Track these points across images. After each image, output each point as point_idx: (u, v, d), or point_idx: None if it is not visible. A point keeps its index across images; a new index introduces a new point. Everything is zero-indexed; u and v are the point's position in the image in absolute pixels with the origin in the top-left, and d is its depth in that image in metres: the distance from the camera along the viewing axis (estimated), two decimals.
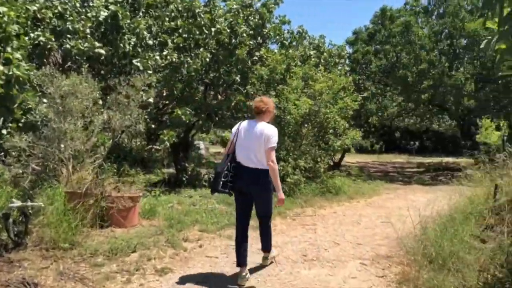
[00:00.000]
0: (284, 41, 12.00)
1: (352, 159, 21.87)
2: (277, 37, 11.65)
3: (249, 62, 9.85)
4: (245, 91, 9.72)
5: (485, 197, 7.26)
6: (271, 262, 4.56)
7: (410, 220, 7.15)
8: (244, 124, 4.08)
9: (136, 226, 5.78)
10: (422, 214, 7.81)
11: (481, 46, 3.83)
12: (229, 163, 3.98)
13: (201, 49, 9.29)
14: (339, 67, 12.94)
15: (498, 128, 19.88)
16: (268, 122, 4.07)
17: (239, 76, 9.89)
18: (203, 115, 9.36)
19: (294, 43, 12.73)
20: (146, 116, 8.68)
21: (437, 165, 18.77)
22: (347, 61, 15.38)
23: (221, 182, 3.91)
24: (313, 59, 11.44)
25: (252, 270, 4.28)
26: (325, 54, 13.22)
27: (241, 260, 3.99)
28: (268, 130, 3.90)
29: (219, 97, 10.68)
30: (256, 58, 10.26)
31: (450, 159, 22.41)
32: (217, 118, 9.60)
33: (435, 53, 13.61)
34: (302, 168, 8.88)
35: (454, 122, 20.56)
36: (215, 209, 6.86)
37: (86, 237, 4.97)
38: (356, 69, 15.12)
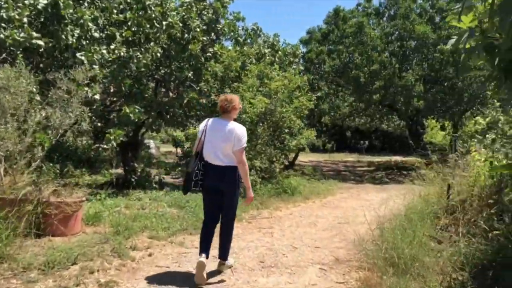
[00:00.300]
0: (239, 38, 11.72)
1: (305, 158, 22.00)
2: (232, 33, 11.35)
3: (203, 58, 9.46)
4: (198, 88, 9.34)
5: (438, 196, 7.37)
6: (230, 266, 4.33)
7: (367, 221, 7.11)
8: (211, 121, 4.04)
9: (78, 234, 5.26)
10: (377, 214, 7.83)
11: (448, 46, 3.73)
12: (198, 162, 3.98)
13: (152, 44, 8.79)
14: (294, 66, 12.83)
15: (443, 128, 20.82)
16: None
17: (192, 72, 9.48)
18: (153, 113, 8.86)
19: (248, 41, 12.49)
20: (90, 114, 8.12)
21: (387, 163, 19.27)
22: (301, 61, 15.37)
23: (193, 182, 3.94)
24: (268, 58, 11.23)
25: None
26: (279, 52, 13.07)
27: (204, 248, 3.99)
28: (238, 130, 3.91)
29: (171, 94, 10.21)
30: (210, 54, 9.89)
31: (398, 158, 23.17)
32: (168, 116, 9.13)
33: (386, 54, 13.88)
34: (258, 168, 8.65)
35: (402, 122, 21.20)
36: (166, 213, 6.44)
37: (19, 248, 4.41)
38: (310, 68, 15.14)
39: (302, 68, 14.19)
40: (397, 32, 14.25)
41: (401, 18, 13.73)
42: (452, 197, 6.65)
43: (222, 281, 4.04)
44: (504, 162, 5.72)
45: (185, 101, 8.70)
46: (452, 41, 3.77)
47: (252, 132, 9.36)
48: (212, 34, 11.16)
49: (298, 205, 8.32)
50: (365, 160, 22.23)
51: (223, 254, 4.19)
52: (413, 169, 17.41)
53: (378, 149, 31.83)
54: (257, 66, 10.12)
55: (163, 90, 10.52)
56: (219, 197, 4.02)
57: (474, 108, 17.69)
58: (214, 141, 3.91)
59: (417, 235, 5.58)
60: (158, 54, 8.65)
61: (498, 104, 9.55)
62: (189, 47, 8.80)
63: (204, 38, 9.96)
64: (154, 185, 9.09)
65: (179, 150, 11.48)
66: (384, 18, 15.49)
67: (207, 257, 3.95)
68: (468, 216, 5.74)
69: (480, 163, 6.67)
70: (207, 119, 4.13)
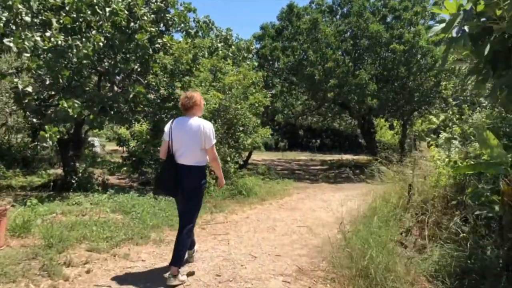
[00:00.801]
0: (190, 30, 11.06)
1: (258, 157, 21.63)
2: (182, 24, 10.67)
3: (151, 50, 8.73)
4: (146, 82, 8.60)
5: (398, 197, 7.18)
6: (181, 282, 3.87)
7: (328, 223, 6.76)
8: (176, 122, 3.98)
9: (1, 248, 4.47)
10: (337, 216, 7.53)
11: (432, 33, 3.39)
12: (170, 164, 3.92)
13: (94, 32, 7.94)
14: (248, 62, 12.36)
15: (391, 127, 21.23)
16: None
17: (138, 65, 8.73)
18: (95, 109, 8.02)
19: (200, 34, 11.86)
20: (22, 108, 7.17)
21: (339, 162, 19.32)
22: (255, 57, 14.93)
23: (167, 185, 3.97)
24: (221, 51, 10.67)
25: None
26: (233, 47, 12.55)
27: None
28: (205, 128, 3.86)
29: (116, 88, 9.37)
30: (159, 46, 9.16)
31: (348, 156, 23.41)
32: (112, 112, 8.32)
33: (340, 53, 13.76)
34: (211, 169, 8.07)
35: (354, 121, 21.39)
36: (108, 220, 5.72)
37: None
38: (264, 65, 14.73)
39: (256, 64, 13.74)
40: (350, 30, 14.18)
41: (354, 16, 13.64)
42: (414, 198, 6.46)
43: None
44: (466, 162, 5.57)
45: (130, 96, 7.94)
46: (437, 28, 3.41)
47: None
48: (161, 24, 10.44)
49: (255, 207, 7.84)
50: (317, 159, 22.24)
51: (176, 260, 3.85)
52: (365, 167, 17.58)
53: (329, 147, 32.17)
54: (209, 60, 9.54)
55: (108, 84, 9.66)
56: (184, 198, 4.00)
57: (423, 108, 18.14)
58: (182, 140, 3.87)
59: (383, 240, 5.30)
60: (101, 44, 7.82)
61: (453, 103, 9.61)
62: (136, 36, 8.04)
63: (153, 29, 9.22)
64: (97, 188, 8.25)
65: (124, 149, 10.59)
66: (338, 16, 15.39)
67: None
68: (432, 218, 5.53)
69: (440, 163, 6.53)
70: (171, 121, 4.05)
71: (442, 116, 10.08)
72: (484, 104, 9.98)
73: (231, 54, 12.17)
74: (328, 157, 23.90)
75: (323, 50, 13.42)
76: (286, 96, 16.77)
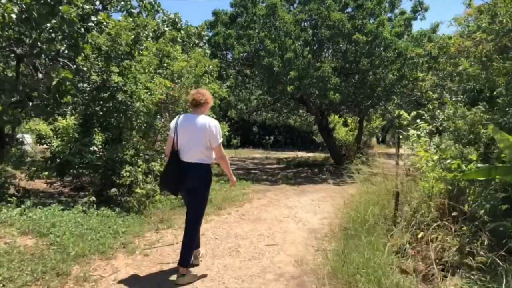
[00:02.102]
0: (132, 10, 9.50)
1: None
2: (122, 2, 9.09)
3: (83, 28, 7.10)
4: (76, 66, 6.99)
5: (380, 205, 6.15)
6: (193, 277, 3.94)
7: (300, 238, 5.60)
8: (182, 118, 3.93)
9: None
10: (309, 227, 6.38)
11: None
12: (173, 161, 3.85)
13: (3, 1, 6.22)
14: (199, 50, 10.94)
15: (346, 124, 20.62)
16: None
17: (66, 46, 7.08)
18: (7, 99, 6.30)
19: (144, 15, 10.29)
20: None
21: (296, 160, 18.38)
22: (206, 45, 13.51)
23: (167, 182, 3.93)
24: (168, 34, 9.20)
25: None
26: (182, 32, 11.08)
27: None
28: (213, 126, 3.82)
29: (40, 75, 7.64)
30: (93, 24, 7.54)
31: (303, 154, 22.59)
32: (31, 104, 6.63)
33: (300, 42, 12.68)
34: (157, 173, 6.65)
35: (310, 117, 20.55)
36: (12, 250, 4.15)
37: None
38: (217, 54, 13.33)
39: (208, 51, 12.34)
40: (310, 19, 13.12)
41: (315, 3, 12.60)
42: (407, 209, 5.44)
43: None
44: (472, 165, 4.59)
45: (53, 83, 6.28)
46: None
47: (149, 125, 7.32)
48: (97, 2, 8.82)
49: (211, 219, 6.51)
50: (272, 157, 21.19)
51: (185, 259, 3.89)
52: (323, 166, 16.74)
53: (281, 144, 31.35)
54: (155, 44, 8.06)
55: (30, 69, 7.90)
56: (189, 195, 4.00)
57: (380, 104, 17.57)
58: (187, 138, 3.81)
59: (378, 265, 4.21)
60: (13, 16, 6.13)
61: (434, 95, 8.78)
62: (60, 8, 6.39)
63: (86, 6, 7.57)
64: (10, 198, 6.52)
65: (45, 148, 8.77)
66: (295, 5, 14.29)
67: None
68: (430, 233, 4.49)
69: (431, 165, 5.56)
70: (177, 116, 4.00)
71: (413, 112, 9.28)
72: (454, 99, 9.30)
73: (180, 40, 10.70)
74: (282, 155, 22.94)
75: (281, 39, 12.27)
76: (241, 90, 15.50)
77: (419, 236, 4.47)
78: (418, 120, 9.73)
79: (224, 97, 9.02)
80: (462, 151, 5.20)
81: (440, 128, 8.79)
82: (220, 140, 3.89)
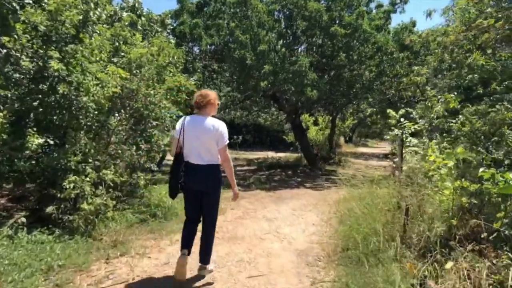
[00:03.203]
0: None
1: (171, 156, 18.81)
2: None
3: (15, 4, 5.73)
4: (6, 51, 5.61)
5: (377, 219, 5.17)
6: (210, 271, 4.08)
7: (290, 264, 4.55)
8: (188, 119, 3.86)
9: None
10: (296, 247, 5.32)
11: None
12: (180, 163, 3.83)
13: None
14: (163, 40, 9.68)
15: (316, 123, 19.82)
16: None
17: None
18: None
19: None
20: None
21: (268, 161, 17.35)
22: (171, 36, 12.23)
23: (180, 185, 3.84)
24: (126, 16, 7.91)
25: None
26: (143, 18, 9.78)
27: (186, 244, 3.90)
28: (219, 127, 3.78)
29: None
30: (30, 1, 6.15)
31: (273, 154, 21.61)
32: None
33: (274, 34, 11.64)
34: (110, 183, 5.41)
35: (281, 116, 19.61)
36: None
37: None
38: (182, 46, 12.06)
39: (173, 41, 11.07)
40: (284, 9, 12.10)
41: None
42: (414, 228, 4.49)
43: None
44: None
45: None
46: None
47: (101, 125, 6.05)
48: None
49: (176, 239, 5.32)
50: (241, 157, 20.05)
51: (204, 258, 4.03)
52: (296, 167, 15.80)
53: (250, 144, 30.30)
54: (111, 29, 6.77)
55: None
56: (198, 198, 3.91)
57: (355, 102, 16.85)
58: (194, 140, 3.76)
59: None
60: None
61: (432, 92, 7.94)
62: None
63: None
64: None
65: None
66: None
67: (189, 253, 3.87)
68: (463, 263, 3.55)
69: (442, 172, 4.64)
70: (183, 117, 3.93)
71: (402, 110, 8.45)
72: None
73: (140, 27, 9.42)
74: (252, 155, 21.84)
75: (254, 30, 11.18)
76: (209, 85, 14.27)
77: (448, 266, 3.50)
78: (402, 120, 8.92)
79: (193, 91, 7.83)
80: (488, 158, 4.29)
81: (430, 127, 8.02)
82: (227, 142, 3.83)
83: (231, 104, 17.30)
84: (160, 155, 7.95)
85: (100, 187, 5.27)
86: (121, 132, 6.26)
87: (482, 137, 4.51)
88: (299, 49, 13.34)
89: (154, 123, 6.97)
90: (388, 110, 8.84)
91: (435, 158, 4.69)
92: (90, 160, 5.54)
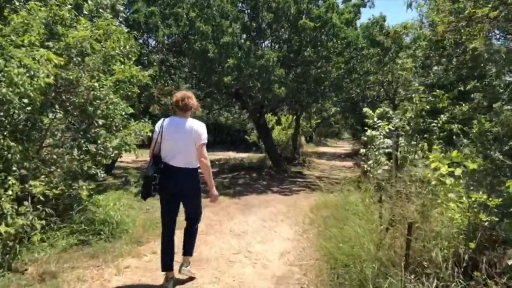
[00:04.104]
0: None
1: (127, 156, 17.47)
2: None
3: None
4: None
5: (371, 238, 4.38)
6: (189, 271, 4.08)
7: None
8: (168, 121, 3.82)
9: None
10: (274, 273, 4.41)
11: None
12: (156, 164, 3.74)
13: None
14: (111, 23, 8.51)
15: (279, 123, 19.11)
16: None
17: None
18: None
19: None
20: None
21: (228, 162, 16.41)
22: (124, 25, 10.99)
23: (153, 186, 3.69)
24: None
25: None
26: (90, 2, 8.53)
27: (168, 263, 3.80)
28: (198, 126, 3.79)
29: None
30: None
31: (235, 154, 20.70)
32: None
33: (238, 26, 10.70)
34: (40, 197, 4.30)
35: (245, 114, 18.74)
36: None
37: None
38: (137, 36, 10.84)
39: (125, 30, 9.87)
40: None
41: None
42: (416, 245, 3.73)
43: None
44: None
45: None
46: None
47: (32, 124, 4.91)
48: None
49: (126, 266, 4.30)
50: None
51: (189, 251, 4.07)
52: (261, 169, 14.97)
53: (209, 143, 29.14)
54: (46, 9, 5.60)
55: None
56: (178, 201, 3.89)
57: (321, 101, 16.24)
58: (174, 141, 3.73)
59: None
60: None
61: (421, 88, 7.30)
62: None
63: None
64: None
65: None
66: None
67: (171, 269, 3.83)
68: None
69: (447, 182, 3.91)
70: (162, 119, 3.88)
71: (380, 109, 7.79)
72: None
73: (87, 12, 8.20)
74: (213, 156, 20.78)
75: (217, 20, 10.20)
76: (166, 81, 13.14)
77: None
78: (376, 120, 8.28)
79: (147, 84, 6.77)
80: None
81: (409, 127, 7.41)
82: (205, 140, 3.80)
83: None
84: (110, 160, 6.82)
85: (26, 203, 4.15)
86: (57, 133, 5.12)
87: (492, 140, 3.83)
88: (264, 44, 12.47)
89: (101, 121, 5.87)
90: (365, 109, 8.20)
91: (438, 164, 3.96)
92: (14, 168, 4.40)
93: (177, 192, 3.79)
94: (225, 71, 9.89)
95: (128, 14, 11.28)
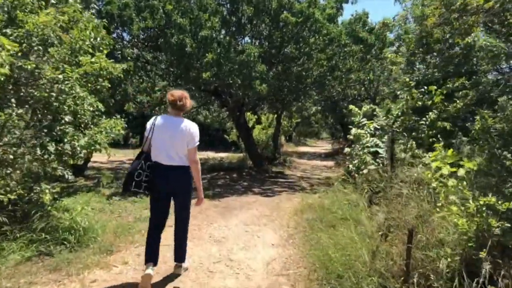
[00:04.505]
0: None
1: (101, 156, 16.72)
2: None
3: None
4: None
5: (363, 244, 4.01)
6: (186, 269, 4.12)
7: None
8: (160, 119, 3.79)
9: None
10: (261, 286, 3.99)
11: None
12: (143, 162, 3.73)
13: None
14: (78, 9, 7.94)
15: (259, 122, 18.73)
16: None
17: None
18: None
19: None
20: None
21: (206, 162, 15.91)
22: (96, 17, 10.37)
23: (134, 182, 3.66)
24: None
25: None
26: None
27: (152, 256, 3.73)
28: (191, 128, 3.74)
29: None
30: None
31: (214, 154, 20.21)
32: None
33: (218, 19, 10.23)
34: None
35: (224, 113, 18.28)
36: None
37: None
38: (110, 28, 10.25)
39: (97, 21, 9.28)
40: None
41: None
42: (417, 254, 3.38)
43: None
44: None
45: None
46: None
47: None
48: None
49: (93, 280, 3.80)
50: None
51: (180, 257, 4.03)
52: (242, 169, 14.54)
53: None
54: None
55: None
56: (168, 201, 3.88)
57: (302, 99, 15.93)
58: (166, 140, 3.69)
59: None
60: None
61: (411, 83, 6.98)
62: None
63: None
64: None
65: None
66: None
67: (155, 264, 3.75)
68: None
69: (450, 183, 3.58)
70: (154, 117, 3.85)
71: (365, 107, 7.48)
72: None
73: (54, 1, 7.60)
74: None
75: (195, 13, 9.72)
76: (141, 77, 12.55)
77: None
78: (362, 118, 8.01)
79: (119, 78, 6.25)
80: None
81: (394, 125, 7.13)
82: (197, 142, 3.76)
83: (167, 100, 15.59)
84: (82, 160, 6.27)
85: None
86: (14, 131, 4.57)
87: (496, 137, 3.51)
88: (244, 41, 12.04)
89: (67, 118, 5.34)
90: (351, 107, 7.89)
91: (439, 164, 3.63)
92: None
93: (169, 192, 3.80)
94: (203, 67, 9.42)
95: (100, 6, 10.67)
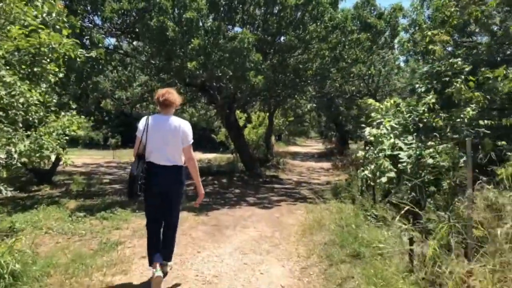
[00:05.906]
0: None
1: (76, 158, 15.02)
2: None
3: None
4: None
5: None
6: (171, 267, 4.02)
7: None
8: (152, 119, 3.74)
9: None
10: None
11: None
12: (142, 164, 3.67)
13: None
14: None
15: (249, 120, 17.36)
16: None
17: None
18: None
19: None
20: None
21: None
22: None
23: (139, 186, 3.59)
24: None
25: None
26: None
27: (157, 254, 3.63)
28: (184, 126, 3.72)
29: None
30: None
31: (201, 155, 18.79)
32: None
33: (204, 1, 8.78)
34: None
35: (212, 111, 16.85)
36: None
37: None
38: (77, 9, 8.70)
39: (62, 4, 7.76)
40: None
41: None
42: None
43: None
44: None
45: None
46: None
47: None
48: None
49: None
50: None
51: (168, 256, 3.90)
52: (232, 174, 13.15)
53: None
54: None
55: None
56: (163, 199, 3.78)
57: (296, 96, 14.57)
58: (159, 140, 3.66)
59: None
60: None
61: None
62: None
63: None
64: None
65: None
66: None
67: (161, 264, 3.64)
68: None
69: None
70: (145, 117, 3.79)
71: (388, 101, 6.17)
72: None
73: None
74: None
75: None
76: (118, 70, 11.04)
77: None
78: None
79: (76, 57, 4.72)
80: None
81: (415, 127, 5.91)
82: (191, 140, 3.75)
83: (148, 96, 14.02)
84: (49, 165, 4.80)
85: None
86: None
87: None
88: (234, 30, 10.62)
89: (13, 113, 3.89)
90: (370, 101, 6.56)
91: None
92: None
93: (162, 191, 3.72)
94: (188, 55, 7.97)
95: None
